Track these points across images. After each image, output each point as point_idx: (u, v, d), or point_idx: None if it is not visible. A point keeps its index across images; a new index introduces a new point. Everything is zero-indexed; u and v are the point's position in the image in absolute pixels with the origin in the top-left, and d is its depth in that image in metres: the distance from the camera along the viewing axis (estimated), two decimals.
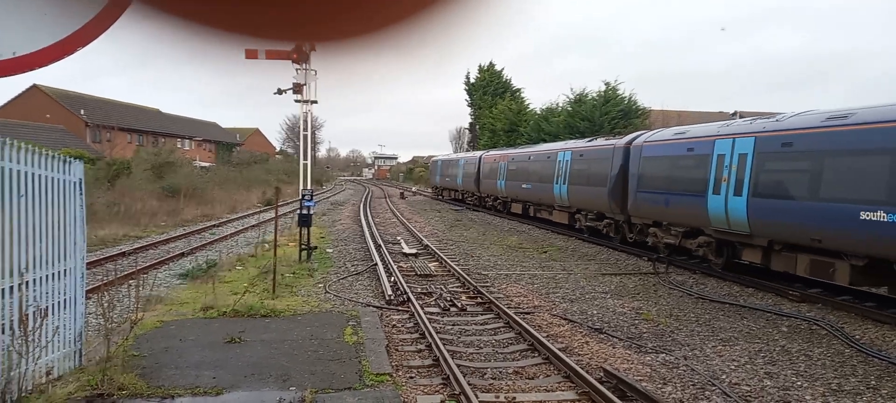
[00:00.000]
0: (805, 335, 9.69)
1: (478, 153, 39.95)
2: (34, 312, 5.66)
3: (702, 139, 15.13)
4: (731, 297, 12.42)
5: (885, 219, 9.91)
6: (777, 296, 12.29)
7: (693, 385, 7.26)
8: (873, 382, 7.57)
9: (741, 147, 13.53)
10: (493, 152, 36.54)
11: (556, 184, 24.03)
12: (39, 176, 5.99)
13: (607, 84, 39.24)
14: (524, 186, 27.99)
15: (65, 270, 6.55)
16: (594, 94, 39.79)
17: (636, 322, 10.32)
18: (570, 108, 41.10)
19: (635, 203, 17.70)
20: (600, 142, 21.85)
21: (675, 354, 8.49)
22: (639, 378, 7.38)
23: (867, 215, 10.18)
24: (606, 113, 37.53)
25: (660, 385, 7.23)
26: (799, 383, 7.45)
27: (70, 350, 6.66)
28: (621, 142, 19.52)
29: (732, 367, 7.97)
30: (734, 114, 24.87)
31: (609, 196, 19.23)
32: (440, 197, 49.21)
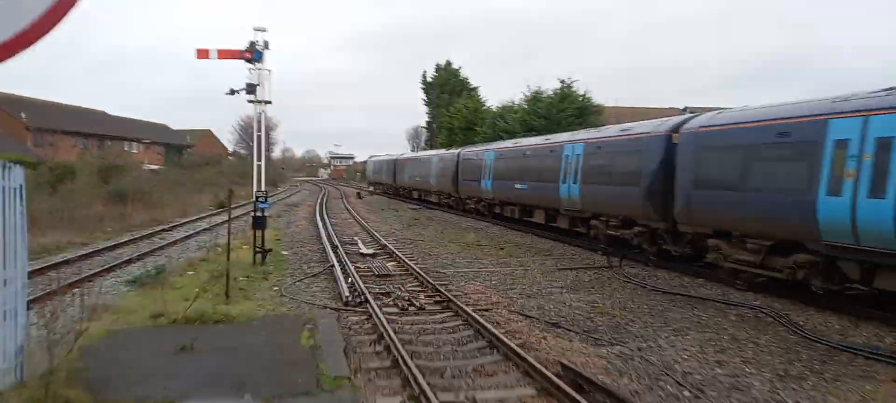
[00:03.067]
0: (752, 323, 10.04)
1: (395, 156, 55.20)
2: None
3: (479, 150, 30.45)
4: (682, 288, 12.76)
5: (554, 189, 20.64)
6: (726, 286, 12.69)
7: (648, 375, 7.42)
8: (817, 366, 7.89)
9: (488, 156, 27.98)
10: (405, 155, 53.76)
11: (431, 177, 38.00)
12: None
13: (563, 81, 39.73)
14: (417, 179, 43.52)
15: (4, 280, 6.24)
16: (550, 92, 40.23)
17: (592, 315, 10.49)
18: (526, 106, 41.44)
19: (485, 190, 28.97)
20: (450, 151, 36.03)
21: (630, 346, 8.66)
22: (596, 371, 7.49)
23: (548, 186, 21.17)
24: (563, 110, 37.95)
25: (616, 377, 7.36)
26: (748, 370, 7.70)
27: (10, 365, 6.34)
28: (475, 148, 32.49)
29: (685, 357, 8.18)
30: (684, 109, 26.58)
31: (450, 184, 33.94)
32: (373, 190, 63.49)
